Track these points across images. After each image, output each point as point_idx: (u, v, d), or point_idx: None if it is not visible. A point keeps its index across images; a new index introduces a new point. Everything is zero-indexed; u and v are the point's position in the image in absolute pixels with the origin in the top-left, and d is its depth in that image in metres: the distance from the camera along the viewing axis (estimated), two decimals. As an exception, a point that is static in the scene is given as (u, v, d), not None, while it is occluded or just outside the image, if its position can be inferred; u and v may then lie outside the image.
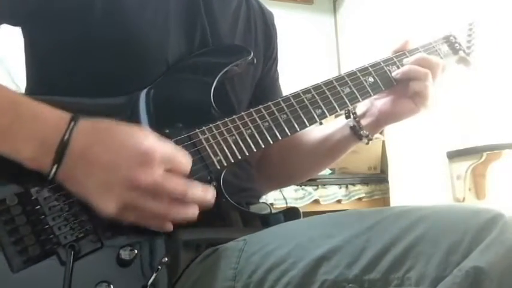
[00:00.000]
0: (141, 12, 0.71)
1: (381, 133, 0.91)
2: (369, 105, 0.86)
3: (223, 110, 0.70)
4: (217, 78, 0.73)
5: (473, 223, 0.48)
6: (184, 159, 0.59)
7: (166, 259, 0.56)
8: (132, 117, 0.66)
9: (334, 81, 0.78)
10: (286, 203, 2.22)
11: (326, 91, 0.76)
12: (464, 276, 0.44)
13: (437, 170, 2.22)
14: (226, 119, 0.68)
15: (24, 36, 0.74)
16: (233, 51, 0.78)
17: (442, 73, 0.84)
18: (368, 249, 0.50)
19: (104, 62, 0.69)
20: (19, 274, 0.52)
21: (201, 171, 0.64)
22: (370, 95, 0.80)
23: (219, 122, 0.67)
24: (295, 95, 0.74)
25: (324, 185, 2.46)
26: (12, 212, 0.55)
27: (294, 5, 3.23)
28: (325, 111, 0.75)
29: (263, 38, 0.92)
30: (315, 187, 2.43)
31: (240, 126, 0.68)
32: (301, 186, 2.37)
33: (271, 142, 0.69)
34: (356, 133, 0.85)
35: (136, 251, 0.56)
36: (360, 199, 2.53)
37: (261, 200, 0.83)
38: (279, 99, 0.73)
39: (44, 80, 0.73)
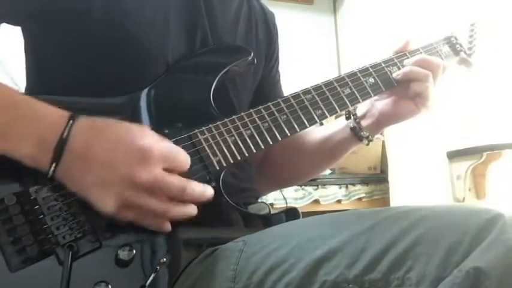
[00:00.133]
0: (141, 11, 0.71)
1: (380, 133, 0.90)
2: (370, 106, 0.86)
3: (224, 110, 0.70)
4: (217, 78, 0.72)
5: (473, 223, 0.48)
6: (182, 157, 0.59)
7: (165, 259, 0.56)
8: (132, 117, 0.66)
9: (334, 82, 0.77)
10: (286, 203, 2.21)
11: (326, 92, 0.76)
12: (465, 277, 0.44)
13: (437, 170, 2.22)
14: (226, 120, 0.68)
15: (24, 36, 0.74)
16: (233, 51, 0.78)
17: (443, 74, 0.84)
18: (368, 249, 0.50)
19: (104, 61, 0.69)
20: (17, 274, 0.52)
21: (200, 171, 0.63)
22: (371, 96, 0.80)
23: (218, 123, 0.67)
24: (295, 96, 0.74)
25: (324, 185, 2.45)
26: (10, 211, 0.54)
27: (294, 5, 3.22)
28: (325, 111, 0.74)
29: (264, 38, 0.91)
30: (315, 187, 2.42)
31: (240, 126, 0.68)
32: (301, 186, 2.37)
33: (271, 143, 0.69)
34: (356, 134, 0.85)
35: (134, 251, 0.56)
36: (360, 199, 2.52)
37: (260, 200, 0.83)
38: (279, 99, 0.72)
39: (44, 80, 0.73)
